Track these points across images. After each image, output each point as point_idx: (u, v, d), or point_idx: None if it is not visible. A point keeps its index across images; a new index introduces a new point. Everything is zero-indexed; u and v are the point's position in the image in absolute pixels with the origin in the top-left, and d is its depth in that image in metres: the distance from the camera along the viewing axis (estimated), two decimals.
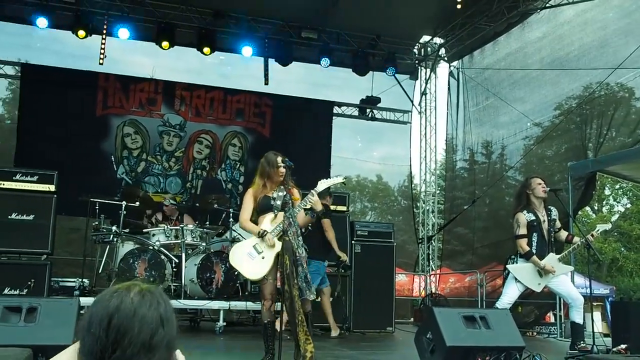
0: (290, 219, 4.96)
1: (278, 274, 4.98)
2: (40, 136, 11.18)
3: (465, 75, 12.90)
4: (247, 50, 11.70)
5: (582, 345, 6.13)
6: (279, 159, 5.34)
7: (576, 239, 6.48)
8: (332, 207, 8.65)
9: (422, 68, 13.71)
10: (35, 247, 7.65)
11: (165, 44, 11.11)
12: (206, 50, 11.35)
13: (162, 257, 7.86)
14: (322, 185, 5.27)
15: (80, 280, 8.51)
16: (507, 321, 5.22)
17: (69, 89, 11.45)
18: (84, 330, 1.45)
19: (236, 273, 7.69)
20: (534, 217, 6.30)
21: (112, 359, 1.39)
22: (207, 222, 8.88)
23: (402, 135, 14.21)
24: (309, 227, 7.74)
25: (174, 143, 12.26)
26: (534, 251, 6.28)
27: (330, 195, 8.78)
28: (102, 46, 10.92)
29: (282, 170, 5.26)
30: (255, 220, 5.30)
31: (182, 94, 12.34)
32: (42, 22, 10.56)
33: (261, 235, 5.09)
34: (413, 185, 14.94)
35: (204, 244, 8.26)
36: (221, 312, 7.65)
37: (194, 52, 11.59)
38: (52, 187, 7.83)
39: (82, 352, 1.44)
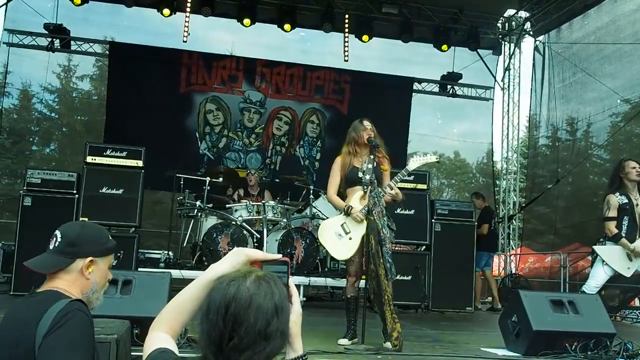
0: (375, 199, 4.93)
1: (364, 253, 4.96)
2: (127, 112, 11.65)
3: (552, 50, 12.43)
4: (327, 27, 11.66)
5: None
6: (365, 121, 5.27)
7: None
8: (412, 186, 8.59)
9: (506, 43, 13.28)
10: (124, 220, 7.96)
11: (246, 20, 11.23)
12: (287, 26, 11.39)
13: (244, 232, 8.03)
14: (414, 163, 5.15)
15: (166, 252, 8.86)
16: (597, 306, 5.09)
17: (154, 66, 11.82)
18: (203, 315, 1.50)
19: (318, 248, 7.85)
20: (626, 200, 6.10)
21: (229, 345, 1.44)
22: (288, 199, 8.99)
23: (482, 112, 13.91)
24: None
25: (254, 119, 12.46)
26: (624, 234, 6.08)
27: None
28: (186, 24, 11.16)
29: (368, 132, 5.15)
30: (343, 191, 5.25)
31: (262, 70, 12.49)
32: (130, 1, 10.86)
33: (347, 212, 5.08)
34: (492, 163, 14.64)
35: (284, 220, 8.37)
36: (301, 287, 7.77)
37: (275, 28, 11.64)
38: (140, 163, 8.09)
39: (200, 337, 1.50)
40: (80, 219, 7.41)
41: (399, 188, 5.19)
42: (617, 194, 6.13)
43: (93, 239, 2.14)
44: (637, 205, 6.13)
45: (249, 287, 1.48)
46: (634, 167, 6.14)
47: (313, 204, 8.48)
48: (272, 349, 1.47)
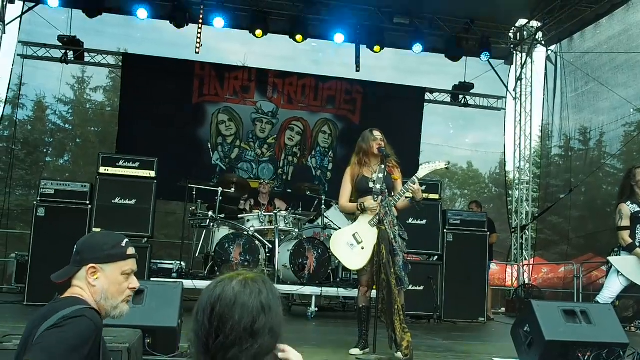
0: (387, 208, 4.92)
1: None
2: (140, 123, 11.76)
3: (564, 59, 12.38)
4: (338, 37, 11.67)
5: None
6: (375, 132, 5.25)
7: None
8: (424, 195, 8.55)
9: (518, 53, 13.21)
10: (137, 230, 7.93)
11: (258, 32, 11.27)
12: (298, 37, 11.44)
13: (256, 242, 8.05)
14: (424, 170, 5.12)
15: (178, 262, 8.89)
16: (610, 316, 5.04)
17: (167, 77, 11.91)
18: (193, 316, 1.56)
19: (330, 258, 7.85)
20: (638, 209, 6.05)
21: (216, 343, 1.48)
22: (300, 209, 9.03)
23: (494, 122, 13.87)
24: None
25: (266, 130, 12.52)
26: (638, 243, 6.02)
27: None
28: (199, 35, 11.22)
29: (378, 142, 5.14)
30: (354, 202, 5.23)
31: (274, 81, 12.56)
32: (142, 13, 10.93)
33: (362, 209, 5.05)
34: (505, 173, 14.58)
35: (296, 230, 8.39)
36: (313, 297, 7.77)
37: (286, 39, 11.68)
38: (152, 173, 8.15)
39: (192, 339, 1.56)
40: (93, 229, 7.47)
41: (408, 197, 5.17)
42: (629, 202, 6.07)
43: (95, 247, 2.18)
44: None
45: (234, 287, 1.53)
46: None
47: (325, 214, 8.49)
48: (261, 346, 1.50)
